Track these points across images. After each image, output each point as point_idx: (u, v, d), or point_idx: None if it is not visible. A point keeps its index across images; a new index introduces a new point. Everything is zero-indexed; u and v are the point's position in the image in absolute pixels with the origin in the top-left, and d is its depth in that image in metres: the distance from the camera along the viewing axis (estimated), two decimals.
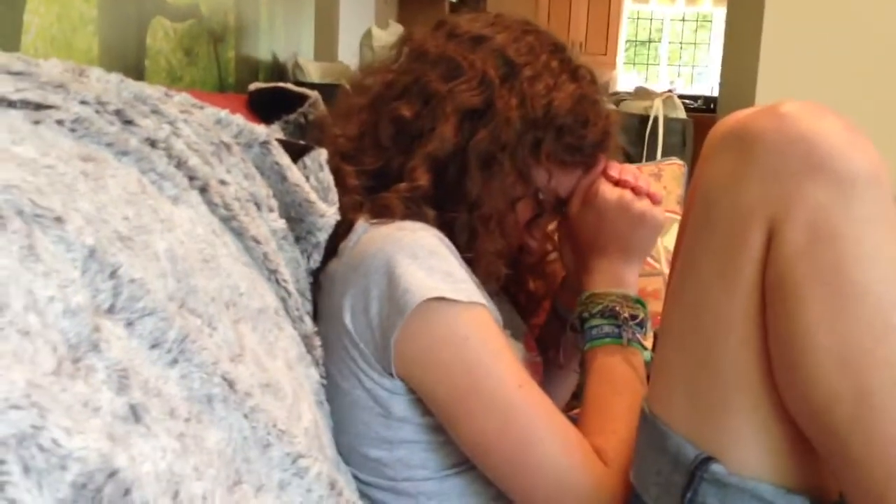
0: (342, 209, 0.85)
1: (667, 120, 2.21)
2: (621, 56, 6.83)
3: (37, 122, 0.61)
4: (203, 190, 0.71)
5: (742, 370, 0.64)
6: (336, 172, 0.88)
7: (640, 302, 0.92)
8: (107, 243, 0.54)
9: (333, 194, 0.86)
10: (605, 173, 0.94)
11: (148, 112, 0.72)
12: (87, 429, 0.41)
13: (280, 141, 0.87)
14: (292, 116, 1.04)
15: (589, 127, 0.90)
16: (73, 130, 0.63)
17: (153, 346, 0.52)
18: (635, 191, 0.93)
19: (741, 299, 0.64)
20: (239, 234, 0.74)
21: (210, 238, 0.67)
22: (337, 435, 0.80)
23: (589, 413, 0.85)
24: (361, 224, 0.84)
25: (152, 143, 0.69)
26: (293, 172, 0.84)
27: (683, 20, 7.21)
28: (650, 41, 7.28)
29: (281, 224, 0.81)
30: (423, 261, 0.78)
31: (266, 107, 1.07)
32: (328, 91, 1.08)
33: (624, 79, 6.68)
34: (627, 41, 7.04)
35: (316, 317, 0.84)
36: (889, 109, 1.67)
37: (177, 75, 1.29)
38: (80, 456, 0.40)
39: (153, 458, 0.45)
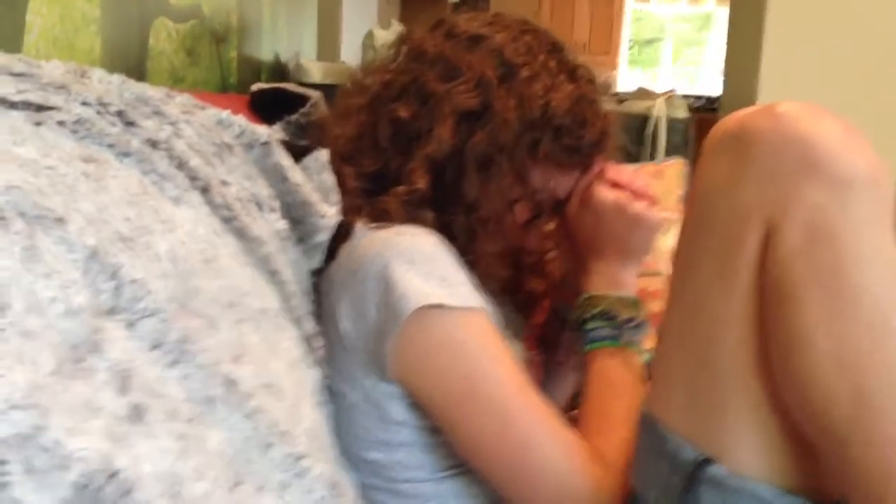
0: (342, 211, 0.86)
1: (669, 119, 2.21)
2: (624, 56, 6.82)
3: (38, 124, 0.61)
4: (205, 191, 0.72)
5: (741, 371, 0.64)
6: (336, 174, 0.88)
7: (637, 304, 0.92)
8: (108, 244, 0.54)
9: (335, 195, 0.86)
10: (602, 175, 0.94)
11: (150, 113, 0.73)
12: (89, 429, 0.41)
13: (282, 142, 0.87)
14: (294, 117, 1.04)
15: (587, 127, 0.90)
16: (74, 132, 0.63)
17: (154, 347, 0.52)
18: (632, 193, 0.93)
19: (739, 300, 0.64)
20: (240, 234, 0.74)
21: (211, 239, 0.68)
22: (336, 437, 0.81)
23: (587, 415, 0.85)
24: (360, 227, 0.84)
25: (154, 144, 0.69)
26: (294, 173, 0.84)
27: (686, 20, 7.20)
28: (653, 41, 7.27)
29: (282, 225, 0.81)
30: (420, 267, 0.78)
31: (268, 107, 1.07)
32: (330, 91, 1.08)
33: (627, 78, 6.68)
34: (630, 41, 7.04)
35: (317, 318, 0.84)
36: (890, 109, 1.67)
37: (179, 76, 1.29)
38: (82, 456, 0.40)
39: (154, 458, 0.45)
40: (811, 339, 0.60)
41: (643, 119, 2.19)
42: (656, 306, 1.01)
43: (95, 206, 0.56)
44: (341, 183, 0.88)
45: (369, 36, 2.19)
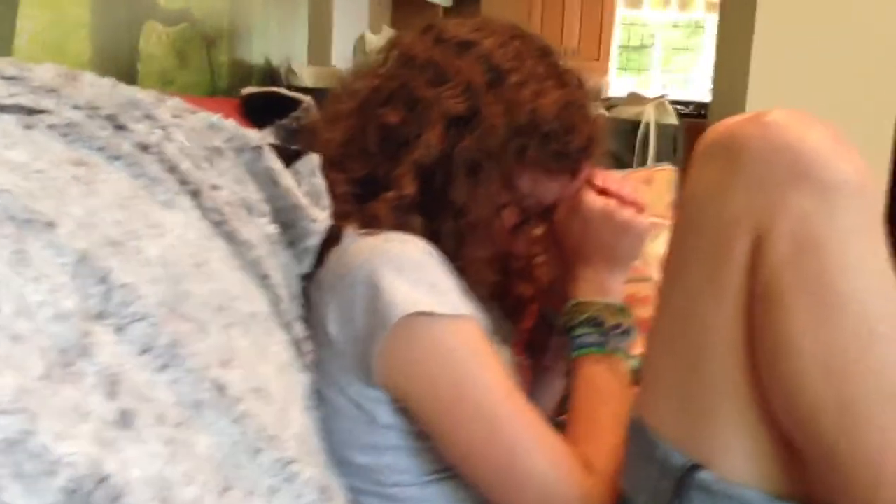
0: (332, 216, 0.86)
1: (659, 125, 2.22)
2: (614, 61, 6.84)
3: (29, 127, 0.61)
4: (195, 194, 0.72)
5: (730, 377, 0.65)
6: (325, 179, 0.88)
7: (625, 310, 0.92)
8: (98, 248, 0.54)
9: (325, 200, 0.86)
10: (590, 182, 0.94)
11: (140, 117, 0.72)
12: (77, 434, 0.41)
13: (272, 146, 0.87)
14: (285, 121, 1.04)
15: (575, 133, 0.90)
16: (65, 135, 0.63)
17: (143, 352, 0.52)
18: (620, 199, 0.93)
19: (728, 307, 0.64)
20: (231, 238, 0.74)
21: (202, 243, 0.68)
22: (324, 441, 0.80)
23: (574, 422, 0.85)
24: (350, 233, 0.84)
25: (144, 148, 0.69)
26: (285, 177, 0.84)
27: (676, 26, 7.23)
28: (643, 46, 7.30)
29: (273, 229, 0.81)
30: (408, 274, 0.78)
31: (259, 111, 1.07)
32: (321, 96, 1.08)
33: (617, 84, 6.70)
34: (620, 47, 7.06)
35: (306, 322, 0.84)
36: (879, 117, 1.68)
37: (169, 79, 1.29)
38: (70, 461, 0.40)
39: (143, 463, 0.45)
40: (798, 346, 0.60)
41: (633, 125, 2.20)
42: (645, 312, 1.02)
43: (85, 210, 0.56)
44: (331, 188, 0.88)
45: (361, 40, 2.19)
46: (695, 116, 3.95)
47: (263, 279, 0.76)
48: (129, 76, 1.14)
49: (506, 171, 0.88)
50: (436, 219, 0.87)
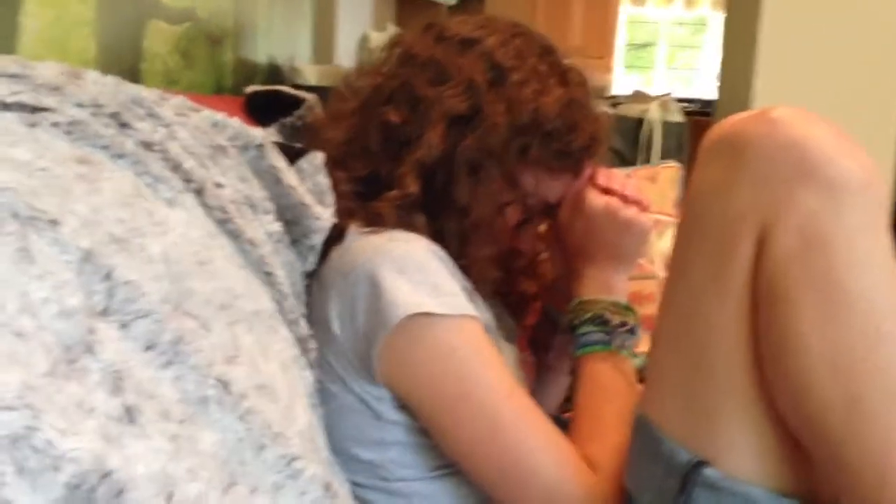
0: (335, 214, 0.86)
1: (664, 123, 2.22)
2: (619, 59, 6.83)
3: (32, 125, 0.61)
4: (199, 192, 0.72)
5: (735, 374, 0.64)
6: (329, 177, 0.88)
7: (629, 308, 0.92)
8: (102, 246, 0.54)
9: (329, 197, 0.86)
10: (592, 181, 0.94)
11: (144, 115, 0.73)
12: (82, 430, 0.41)
13: (276, 144, 0.87)
14: (289, 120, 1.04)
15: (577, 132, 0.90)
16: (68, 133, 0.63)
17: (147, 348, 0.52)
18: (623, 198, 0.93)
19: (733, 304, 0.64)
20: (235, 236, 0.74)
21: (205, 241, 0.68)
22: (329, 437, 0.81)
23: (579, 420, 0.85)
24: (353, 231, 0.84)
25: (148, 146, 0.69)
26: (289, 175, 0.84)
27: (681, 24, 7.22)
28: (648, 44, 7.29)
29: (277, 227, 0.81)
30: (410, 274, 0.78)
31: (263, 110, 1.07)
32: (325, 94, 1.08)
33: (623, 82, 6.69)
34: (625, 44, 7.05)
35: (309, 319, 0.84)
36: (884, 114, 1.67)
37: (173, 78, 1.29)
38: (74, 457, 0.40)
39: (147, 459, 0.45)
40: (805, 343, 0.60)
41: (638, 122, 2.20)
42: (650, 309, 1.02)
43: (89, 208, 0.56)
44: (334, 186, 0.88)
45: (364, 39, 2.19)
46: (700, 114, 3.94)
47: (267, 277, 0.76)
48: (132, 75, 1.14)
49: (508, 169, 0.88)
50: (439, 218, 0.87)
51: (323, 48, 2.40)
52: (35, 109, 0.63)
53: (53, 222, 0.52)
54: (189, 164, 0.72)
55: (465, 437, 0.79)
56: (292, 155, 0.89)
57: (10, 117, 0.60)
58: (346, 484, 0.82)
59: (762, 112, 0.65)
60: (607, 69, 6.26)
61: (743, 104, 1.70)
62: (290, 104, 1.07)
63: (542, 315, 1.08)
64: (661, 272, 1.25)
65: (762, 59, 1.69)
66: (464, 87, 0.87)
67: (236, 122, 0.84)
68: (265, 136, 0.86)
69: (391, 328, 0.76)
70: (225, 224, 0.73)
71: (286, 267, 0.81)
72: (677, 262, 0.70)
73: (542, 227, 1.01)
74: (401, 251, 0.80)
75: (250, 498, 0.55)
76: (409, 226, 0.85)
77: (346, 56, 2.48)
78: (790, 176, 0.61)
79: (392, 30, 2.31)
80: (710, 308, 0.65)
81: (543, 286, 1.07)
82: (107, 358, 0.47)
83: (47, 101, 0.64)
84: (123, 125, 0.68)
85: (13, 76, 0.65)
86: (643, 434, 0.71)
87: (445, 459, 0.83)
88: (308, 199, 0.84)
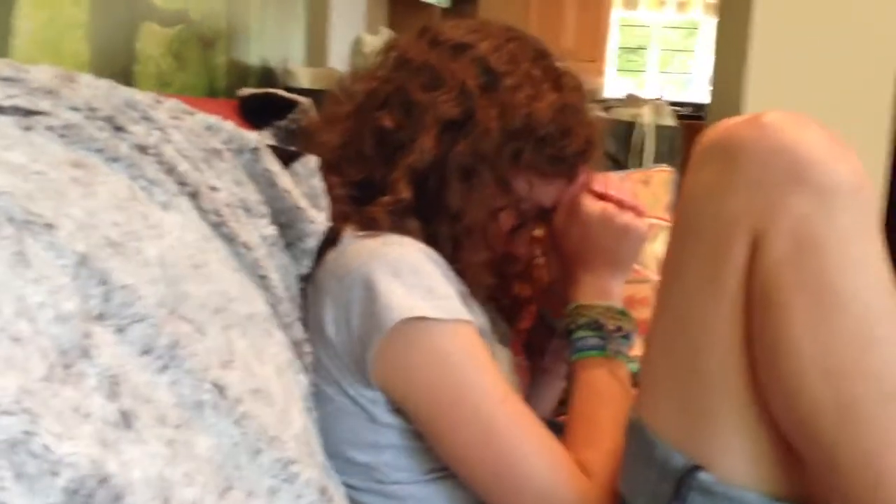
0: (330, 217, 0.86)
1: (656, 127, 2.22)
2: (612, 63, 6.85)
3: (27, 129, 0.61)
4: (193, 196, 0.72)
5: (729, 378, 0.65)
6: (323, 181, 0.88)
7: (625, 313, 0.93)
8: (97, 249, 0.54)
9: (323, 201, 0.86)
10: (588, 187, 0.94)
11: (138, 118, 0.73)
12: (78, 435, 0.41)
13: (271, 147, 0.87)
14: (283, 123, 1.04)
15: (571, 137, 0.90)
16: (63, 136, 0.63)
17: (144, 353, 0.52)
18: (619, 204, 0.93)
19: (727, 308, 0.64)
20: (229, 239, 0.74)
21: (200, 244, 0.68)
22: (324, 440, 0.81)
23: (574, 425, 0.85)
24: (348, 235, 0.84)
25: (142, 150, 0.69)
26: (283, 179, 0.84)
27: (673, 27, 7.25)
28: (640, 48, 7.31)
29: (271, 230, 0.81)
30: (405, 278, 0.78)
31: (257, 113, 1.07)
32: (319, 97, 1.08)
33: (615, 85, 6.71)
34: (618, 48, 7.07)
35: (304, 323, 0.84)
36: (875, 118, 1.68)
37: (166, 81, 1.29)
38: (72, 462, 0.40)
39: (144, 464, 0.45)
40: (797, 347, 0.61)
41: (630, 126, 2.20)
42: (644, 313, 1.02)
43: (84, 212, 0.56)
44: (329, 190, 0.88)
45: (358, 41, 2.19)
46: (693, 118, 3.96)
47: (262, 280, 0.76)
48: (125, 77, 1.14)
49: (501, 175, 0.88)
50: (432, 222, 0.87)
51: (316, 51, 2.40)
52: (29, 113, 0.63)
53: (49, 226, 0.52)
54: (184, 167, 0.72)
55: (459, 442, 0.79)
56: (286, 158, 0.89)
57: (4, 121, 0.60)
58: (342, 487, 0.82)
59: (754, 116, 0.65)
60: (599, 72, 6.28)
61: (735, 108, 1.71)
62: (284, 107, 1.07)
63: (538, 319, 1.08)
64: (655, 276, 1.25)
65: (754, 63, 1.70)
66: (457, 93, 0.87)
67: (230, 126, 0.84)
68: (259, 139, 0.86)
69: (386, 332, 0.76)
70: (219, 227, 0.73)
71: (281, 270, 0.81)
72: (671, 265, 0.70)
73: (538, 232, 1.01)
74: (396, 255, 0.80)
75: (246, 502, 0.55)
76: (402, 230, 0.85)
77: (339, 59, 2.48)
78: (782, 180, 0.61)
79: (385, 32, 2.31)
80: (703, 312, 0.66)
81: (539, 290, 1.07)
82: (103, 362, 0.47)
83: (42, 104, 0.64)
84: (118, 129, 0.68)
85: (7, 80, 0.65)
86: (637, 438, 0.71)
87: (440, 463, 0.83)
88: (303, 202, 0.84)
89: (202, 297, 0.63)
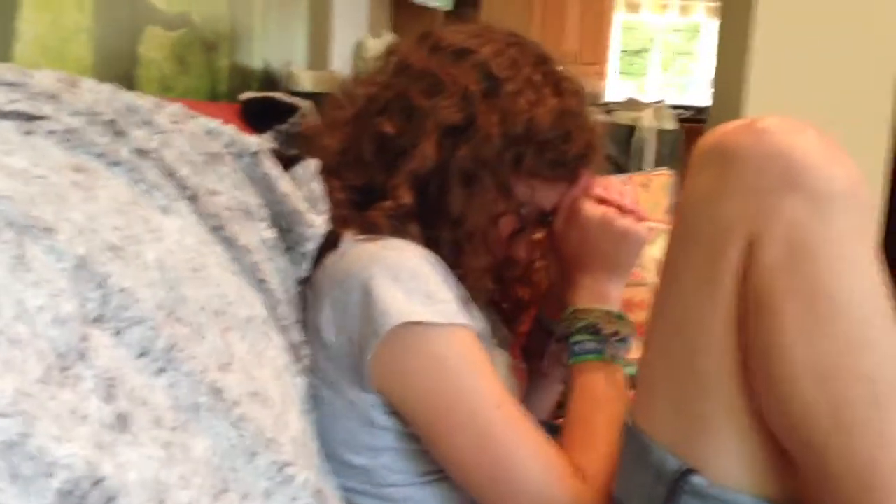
0: (330, 221, 0.86)
1: (658, 130, 2.23)
2: (614, 66, 6.86)
3: (28, 133, 0.62)
4: (193, 200, 0.72)
5: (724, 382, 0.65)
6: (323, 185, 0.88)
7: (623, 318, 0.93)
8: (97, 253, 0.55)
9: (323, 205, 0.87)
10: (589, 191, 0.94)
11: (140, 123, 0.73)
12: (75, 437, 0.42)
13: (271, 151, 0.88)
14: (284, 126, 1.05)
15: (571, 141, 0.90)
16: (64, 141, 0.64)
17: (141, 355, 0.53)
18: (619, 208, 0.93)
19: (722, 313, 0.64)
20: (229, 243, 0.75)
21: (199, 248, 0.68)
22: (321, 443, 0.81)
23: (570, 429, 0.85)
24: (348, 239, 0.85)
25: (143, 154, 0.69)
26: (283, 182, 0.84)
27: (676, 31, 7.25)
28: (643, 51, 7.31)
29: (271, 234, 0.82)
30: (404, 283, 0.78)
31: (258, 116, 1.07)
32: (321, 100, 1.09)
33: (618, 88, 6.71)
34: (621, 51, 7.08)
35: (303, 326, 0.84)
36: (875, 122, 1.68)
37: (169, 84, 1.29)
38: (67, 463, 0.40)
39: (139, 466, 0.46)
40: (790, 352, 0.61)
41: (631, 129, 2.21)
42: (642, 316, 1.02)
43: (85, 216, 0.57)
44: (329, 194, 0.88)
45: (360, 45, 2.19)
46: (694, 121, 3.96)
47: (261, 283, 0.76)
48: (128, 81, 1.14)
49: (502, 180, 0.89)
50: (433, 228, 0.87)
51: (319, 54, 2.40)
52: (31, 117, 0.63)
53: (49, 230, 0.52)
54: (184, 171, 0.72)
55: (455, 446, 0.79)
56: (287, 161, 0.89)
57: (6, 125, 0.61)
58: (338, 490, 0.82)
59: (751, 122, 0.65)
60: (602, 75, 6.28)
61: (736, 111, 1.71)
62: (285, 111, 1.07)
63: (536, 323, 1.08)
64: (652, 279, 1.25)
65: (755, 66, 1.70)
66: (458, 98, 0.87)
67: (231, 130, 0.84)
68: (260, 143, 0.86)
69: (383, 336, 0.77)
70: (219, 231, 0.74)
71: (280, 274, 0.81)
72: (668, 269, 0.71)
73: (538, 235, 1.01)
74: (395, 259, 0.81)
75: None
76: (403, 235, 0.85)
77: (341, 62, 2.48)
78: (777, 185, 0.62)
79: (388, 36, 2.31)
80: (699, 316, 0.66)
81: (538, 294, 1.07)
82: (100, 365, 0.48)
83: (44, 109, 0.65)
84: (119, 133, 0.69)
85: (10, 84, 0.66)
86: (632, 441, 0.71)
87: (436, 465, 0.83)
88: (302, 206, 0.84)
89: (201, 300, 0.63)
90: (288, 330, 0.79)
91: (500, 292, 1.04)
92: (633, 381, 0.87)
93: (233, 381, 0.60)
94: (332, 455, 0.83)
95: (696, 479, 0.65)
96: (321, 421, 0.82)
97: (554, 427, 0.85)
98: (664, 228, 1.29)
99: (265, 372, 0.68)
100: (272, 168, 0.85)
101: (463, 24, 0.98)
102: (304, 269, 0.85)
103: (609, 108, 2.65)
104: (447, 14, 4.21)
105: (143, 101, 0.77)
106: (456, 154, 0.87)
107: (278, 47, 2.01)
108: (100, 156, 0.65)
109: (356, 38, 2.43)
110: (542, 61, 0.93)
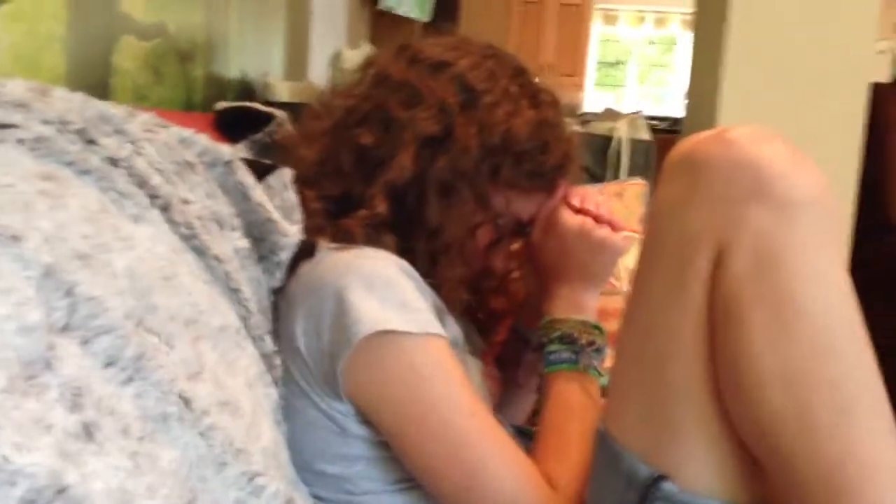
0: (304, 231, 0.86)
1: (632, 140, 2.25)
2: (591, 77, 6.91)
3: None
4: (165, 209, 0.72)
5: (693, 388, 0.66)
6: (299, 195, 0.88)
7: (598, 327, 0.93)
8: (65, 261, 0.54)
9: (297, 214, 0.87)
10: (566, 201, 0.95)
11: (111, 131, 0.73)
12: (39, 446, 0.41)
13: (245, 160, 0.88)
14: (258, 136, 1.05)
15: (549, 153, 0.91)
16: (34, 150, 0.63)
17: (108, 365, 0.52)
18: (596, 218, 0.94)
19: (691, 320, 0.65)
20: (201, 252, 0.74)
21: (171, 256, 0.68)
22: (295, 453, 0.81)
23: (544, 438, 0.86)
24: (323, 247, 0.85)
25: (114, 163, 0.69)
26: (256, 192, 0.84)
27: (652, 43, 7.32)
28: (619, 62, 7.37)
29: (244, 243, 0.81)
30: (378, 291, 0.78)
31: (232, 126, 1.07)
32: (298, 110, 1.09)
33: (596, 99, 6.76)
34: (597, 63, 7.13)
35: (275, 336, 0.84)
36: (846, 131, 1.71)
37: (143, 94, 1.29)
38: (30, 472, 0.40)
39: (105, 476, 0.45)
40: (758, 359, 0.61)
41: (607, 140, 2.23)
42: (615, 326, 1.03)
43: (54, 224, 0.56)
44: (305, 204, 0.88)
45: (337, 56, 2.19)
46: (670, 132, 3.99)
47: (233, 293, 0.76)
48: (103, 91, 1.14)
49: (479, 191, 0.89)
50: (409, 238, 0.88)
51: (296, 64, 2.40)
52: (1, 126, 0.63)
53: (15, 238, 0.52)
54: (156, 180, 0.72)
55: (427, 454, 0.79)
56: (261, 171, 0.89)
57: None
58: (310, 499, 0.82)
59: (720, 131, 0.66)
60: (579, 87, 6.32)
61: (710, 122, 1.73)
62: (261, 121, 1.07)
63: (512, 332, 1.08)
64: (626, 288, 1.26)
65: (728, 77, 1.72)
66: (436, 110, 0.88)
67: (204, 139, 0.84)
68: (233, 152, 0.86)
69: (354, 345, 0.77)
70: (191, 240, 0.73)
71: (253, 283, 0.81)
72: (640, 278, 0.71)
73: (515, 246, 1.02)
74: (370, 268, 0.81)
75: None
76: (377, 244, 0.85)
77: (319, 72, 2.48)
78: (744, 195, 0.63)
79: (366, 47, 2.31)
80: (669, 323, 0.66)
81: (515, 304, 1.07)
82: (66, 374, 0.48)
83: (14, 117, 0.64)
84: (90, 141, 0.68)
85: None
86: (604, 448, 0.72)
87: (409, 473, 0.83)
88: (276, 215, 0.84)
89: (172, 308, 0.63)
90: (260, 339, 0.78)
91: (475, 302, 1.04)
92: (606, 391, 0.88)
93: (202, 391, 0.59)
94: (305, 464, 0.82)
95: (667, 486, 0.65)
96: (294, 430, 0.82)
97: (527, 432, 0.85)
98: (638, 237, 1.30)
99: (237, 381, 0.67)
100: (245, 177, 0.84)
101: (441, 36, 0.99)
102: (278, 278, 0.85)
103: (586, 118, 2.67)
104: (425, 25, 4.22)
105: (115, 109, 0.77)
106: (434, 165, 0.87)
107: (255, 57, 2.01)
108: (70, 164, 0.64)
109: (334, 49, 2.43)
110: (519, 73, 0.94)
